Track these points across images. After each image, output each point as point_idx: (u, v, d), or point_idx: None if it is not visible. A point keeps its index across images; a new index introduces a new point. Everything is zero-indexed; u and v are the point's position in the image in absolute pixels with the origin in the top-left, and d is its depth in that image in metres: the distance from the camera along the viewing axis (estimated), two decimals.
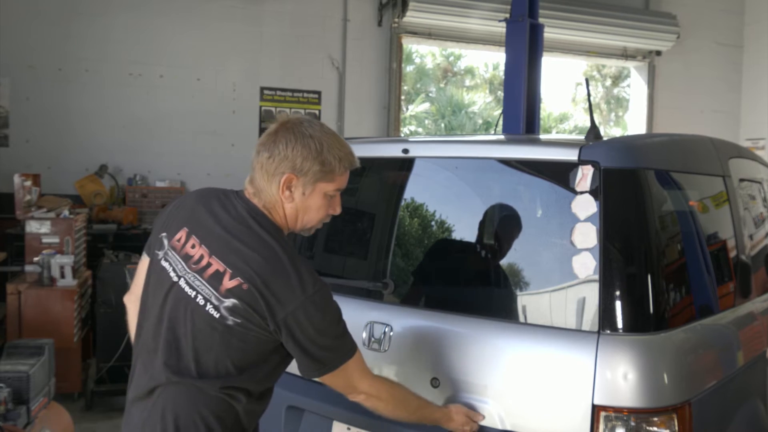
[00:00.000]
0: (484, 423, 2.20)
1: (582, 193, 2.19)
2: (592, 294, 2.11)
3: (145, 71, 7.26)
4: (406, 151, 2.67)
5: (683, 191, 2.54)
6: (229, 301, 1.79)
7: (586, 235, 2.14)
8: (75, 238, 5.44)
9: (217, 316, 1.80)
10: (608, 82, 20.93)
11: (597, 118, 20.21)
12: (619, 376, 2.01)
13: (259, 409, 1.97)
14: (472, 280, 2.58)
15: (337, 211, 2.01)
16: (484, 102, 21.06)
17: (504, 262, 2.42)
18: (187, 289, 1.85)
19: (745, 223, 2.92)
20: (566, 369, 2.09)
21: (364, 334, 2.47)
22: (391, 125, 8.28)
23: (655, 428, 2.00)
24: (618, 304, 2.09)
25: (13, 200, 5.76)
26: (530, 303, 2.31)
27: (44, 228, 5.42)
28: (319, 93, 8.03)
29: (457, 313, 2.40)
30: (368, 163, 2.70)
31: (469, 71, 22.33)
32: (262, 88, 7.84)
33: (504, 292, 2.44)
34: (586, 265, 2.12)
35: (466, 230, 2.62)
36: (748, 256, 2.84)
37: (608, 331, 2.07)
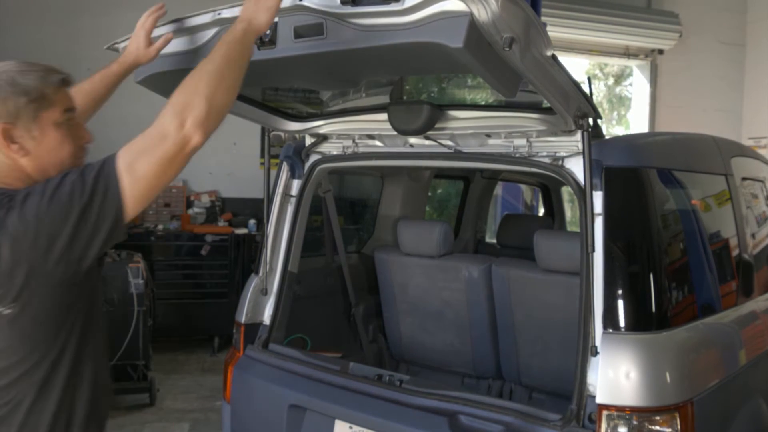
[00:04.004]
0: None
1: None
2: None
3: None
4: None
5: (686, 190, 2.54)
6: None
7: None
8: None
9: None
10: (610, 81, 20.88)
11: None
12: (622, 375, 2.01)
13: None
14: None
15: (86, 137, 1.72)
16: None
17: None
18: None
19: (748, 221, 2.92)
20: None
21: None
22: None
23: (657, 427, 2.00)
24: (620, 303, 2.09)
25: None
26: None
27: None
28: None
29: None
30: None
31: None
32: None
33: None
34: None
35: None
36: (750, 255, 2.84)
37: (611, 330, 2.07)
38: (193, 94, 1.56)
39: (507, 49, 1.67)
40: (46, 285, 1.50)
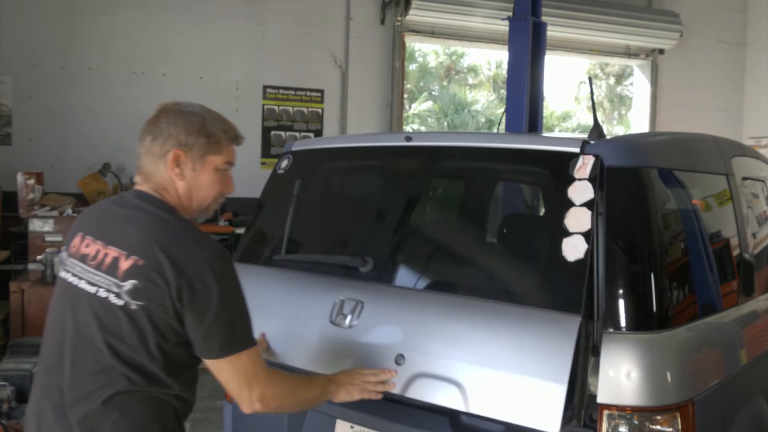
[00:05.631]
0: (452, 405, 2.15)
1: (580, 179, 2.17)
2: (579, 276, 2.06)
3: (148, 69, 7.27)
4: (409, 138, 2.67)
5: (686, 190, 2.54)
6: (129, 284, 1.73)
7: (581, 220, 2.11)
8: None
9: (120, 303, 1.73)
10: (611, 81, 20.90)
11: (600, 116, 20.22)
12: (623, 375, 2.01)
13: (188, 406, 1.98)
14: (458, 261, 2.59)
15: (230, 189, 1.98)
16: (486, 100, 21.05)
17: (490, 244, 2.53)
18: (88, 287, 1.80)
19: (748, 221, 2.92)
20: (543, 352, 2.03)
21: (333, 311, 2.42)
22: (393, 124, 8.27)
23: (658, 426, 2.00)
24: (621, 303, 2.08)
25: (17, 198, 5.78)
26: (512, 282, 2.35)
27: (47, 226, 5.44)
28: (321, 91, 8.02)
29: (439, 291, 2.40)
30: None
31: (472, 69, 22.32)
32: (265, 87, 7.84)
33: (490, 272, 2.47)
34: (577, 247, 2.09)
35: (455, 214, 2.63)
36: (751, 255, 2.84)
37: (611, 330, 2.06)
38: (280, 398, 1.97)
39: None
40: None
